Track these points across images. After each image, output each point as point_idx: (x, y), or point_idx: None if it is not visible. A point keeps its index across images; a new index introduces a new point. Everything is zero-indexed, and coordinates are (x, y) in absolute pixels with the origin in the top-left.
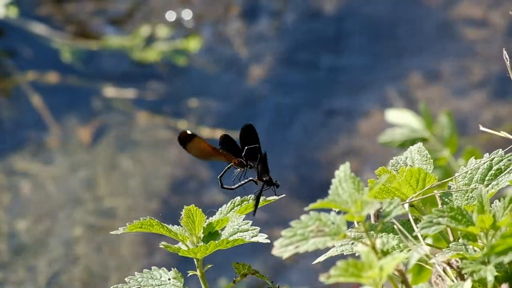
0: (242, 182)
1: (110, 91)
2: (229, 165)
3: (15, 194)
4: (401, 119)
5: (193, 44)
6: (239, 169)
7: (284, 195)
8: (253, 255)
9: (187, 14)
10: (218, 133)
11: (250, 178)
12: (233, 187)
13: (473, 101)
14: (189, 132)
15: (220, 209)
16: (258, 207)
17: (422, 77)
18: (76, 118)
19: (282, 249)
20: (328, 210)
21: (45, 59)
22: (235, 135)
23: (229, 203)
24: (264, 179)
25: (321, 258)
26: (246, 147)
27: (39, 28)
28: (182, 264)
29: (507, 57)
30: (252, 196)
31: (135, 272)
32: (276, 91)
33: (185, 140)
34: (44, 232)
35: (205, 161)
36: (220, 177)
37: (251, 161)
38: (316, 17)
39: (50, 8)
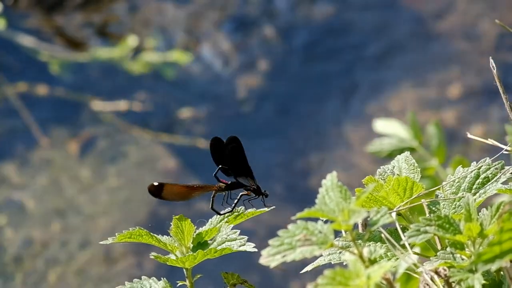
0: (236, 201)
1: (98, 104)
2: (213, 194)
3: (3, 205)
4: (389, 129)
5: (183, 57)
6: (224, 193)
7: (274, 206)
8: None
9: (177, 27)
10: (205, 144)
11: (241, 194)
12: (229, 209)
13: (461, 111)
14: (155, 183)
15: (210, 219)
16: (247, 218)
17: (410, 86)
18: (64, 130)
19: (270, 258)
20: (316, 219)
21: (34, 71)
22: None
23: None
24: (252, 187)
25: (309, 267)
26: (220, 166)
27: (27, 40)
28: (173, 274)
29: (494, 65)
30: (243, 207)
31: (126, 282)
32: (265, 102)
33: (156, 191)
34: (32, 243)
35: (187, 200)
36: (212, 207)
37: (237, 174)
38: (306, 27)
39: (39, 20)
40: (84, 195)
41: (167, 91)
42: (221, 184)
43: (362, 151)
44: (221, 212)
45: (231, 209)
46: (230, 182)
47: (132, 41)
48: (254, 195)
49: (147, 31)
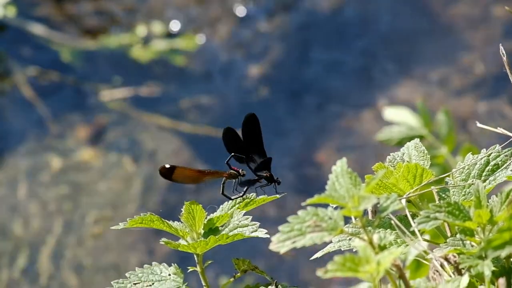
0: (246, 188)
1: (108, 91)
2: (224, 181)
3: (14, 192)
4: (399, 117)
5: (191, 44)
6: (234, 180)
7: (285, 193)
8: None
9: (185, 14)
10: (214, 132)
11: (252, 180)
12: (240, 195)
13: (471, 99)
14: (167, 165)
15: (221, 206)
16: (259, 205)
17: (419, 75)
18: (74, 118)
19: (280, 244)
20: (326, 206)
21: (44, 59)
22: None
23: (231, 201)
24: (265, 175)
25: (319, 254)
26: (232, 154)
27: (38, 28)
28: (184, 261)
29: (504, 52)
30: (254, 194)
31: (136, 268)
32: (273, 90)
33: (167, 173)
34: (43, 229)
35: (197, 184)
36: (222, 193)
37: (253, 156)
38: (312, 17)
39: (49, 8)
40: (94, 183)
41: (178, 78)
42: (232, 171)
43: (373, 139)
44: (232, 197)
45: (242, 194)
46: (241, 170)
47: (141, 30)
48: (266, 182)
49: (156, 19)
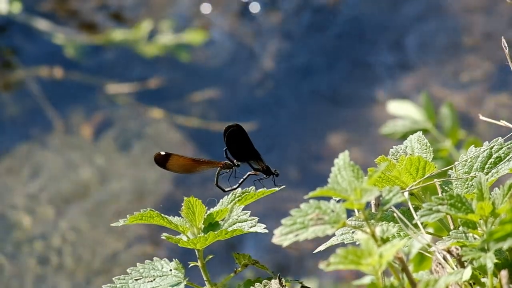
0: (242, 179)
1: (113, 86)
2: (218, 171)
3: (19, 187)
4: (403, 110)
5: (197, 38)
6: (228, 171)
7: (284, 186)
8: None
9: (192, 8)
10: (220, 126)
11: (249, 173)
12: (234, 187)
13: (474, 92)
14: (162, 153)
15: (221, 200)
16: (258, 198)
17: (424, 69)
18: (79, 113)
19: (282, 237)
20: (328, 199)
21: (49, 54)
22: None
23: (230, 195)
24: (261, 167)
25: (322, 247)
26: (225, 149)
27: (42, 24)
28: (186, 256)
29: (506, 45)
30: (253, 187)
31: (137, 263)
32: (280, 84)
33: (162, 161)
34: (47, 224)
35: (191, 174)
36: (216, 184)
37: (245, 159)
38: (320, 9)
39: (54, 3)
40: (97, 177)
41: (182, 74)
42: (227, 161)
43: (378, 133)
44: (226, 189)
45: (236, 186)
46: (235, 160)
47: (147, 24)
48: (263, 175)
49: (162, 14)
